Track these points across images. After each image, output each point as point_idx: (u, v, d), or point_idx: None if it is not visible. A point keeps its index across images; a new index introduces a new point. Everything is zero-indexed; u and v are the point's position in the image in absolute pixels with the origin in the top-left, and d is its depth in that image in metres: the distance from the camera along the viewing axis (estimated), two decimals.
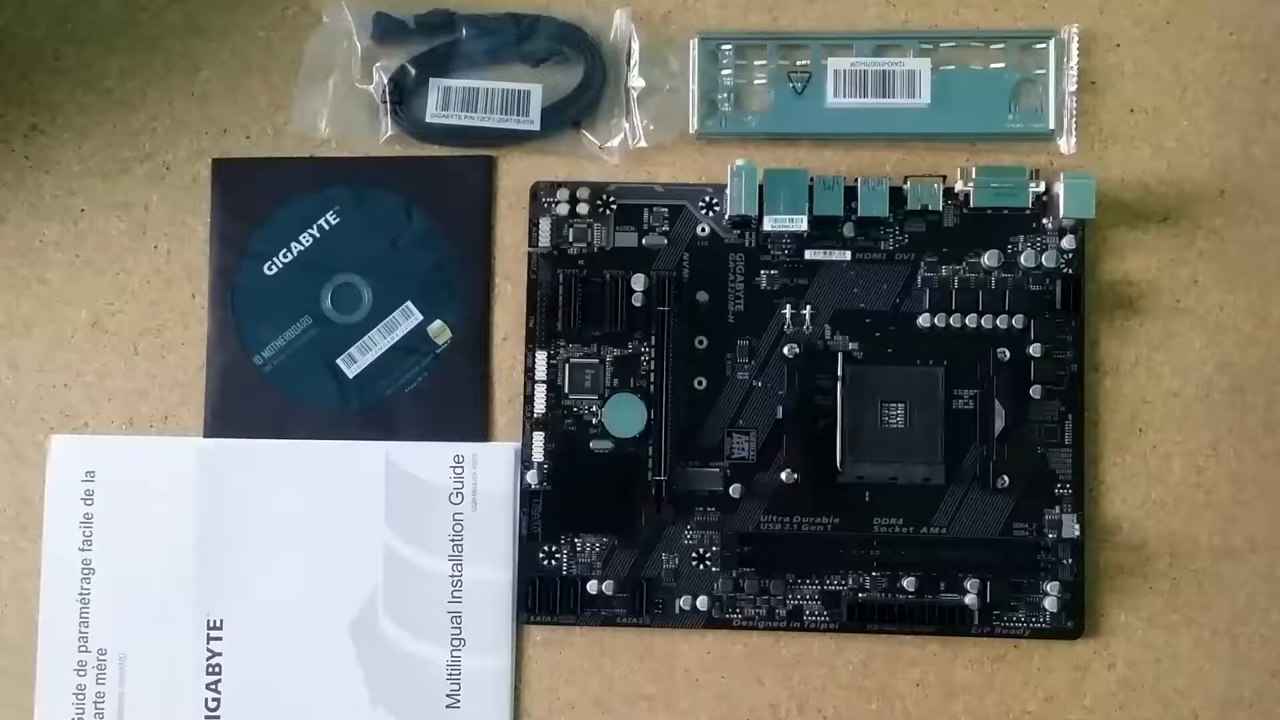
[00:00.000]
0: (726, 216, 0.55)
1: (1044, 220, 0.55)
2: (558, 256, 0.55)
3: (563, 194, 0.56)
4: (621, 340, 0.55)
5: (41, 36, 0.57)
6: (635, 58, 0.56)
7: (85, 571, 0.55)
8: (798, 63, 0.56)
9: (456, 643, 0.55)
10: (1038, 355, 0.54)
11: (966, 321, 0.54)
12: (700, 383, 0.55)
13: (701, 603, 0.54)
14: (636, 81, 0.56)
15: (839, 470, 0.54)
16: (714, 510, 0.54)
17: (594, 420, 0.55)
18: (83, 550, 0.55)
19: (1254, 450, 0.54)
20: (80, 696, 0.55)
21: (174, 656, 0.55)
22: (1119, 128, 0.56)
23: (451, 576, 0.55)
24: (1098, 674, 0.54)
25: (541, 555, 0.55)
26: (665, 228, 0.55)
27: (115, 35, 0.57)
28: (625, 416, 0.54)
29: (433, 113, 0.56)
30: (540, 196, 0.56)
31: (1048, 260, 0.54)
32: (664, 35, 0.56)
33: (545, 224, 0.56)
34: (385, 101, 0.56)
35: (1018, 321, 0.54)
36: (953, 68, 0.56)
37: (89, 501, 0.56)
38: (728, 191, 0.54)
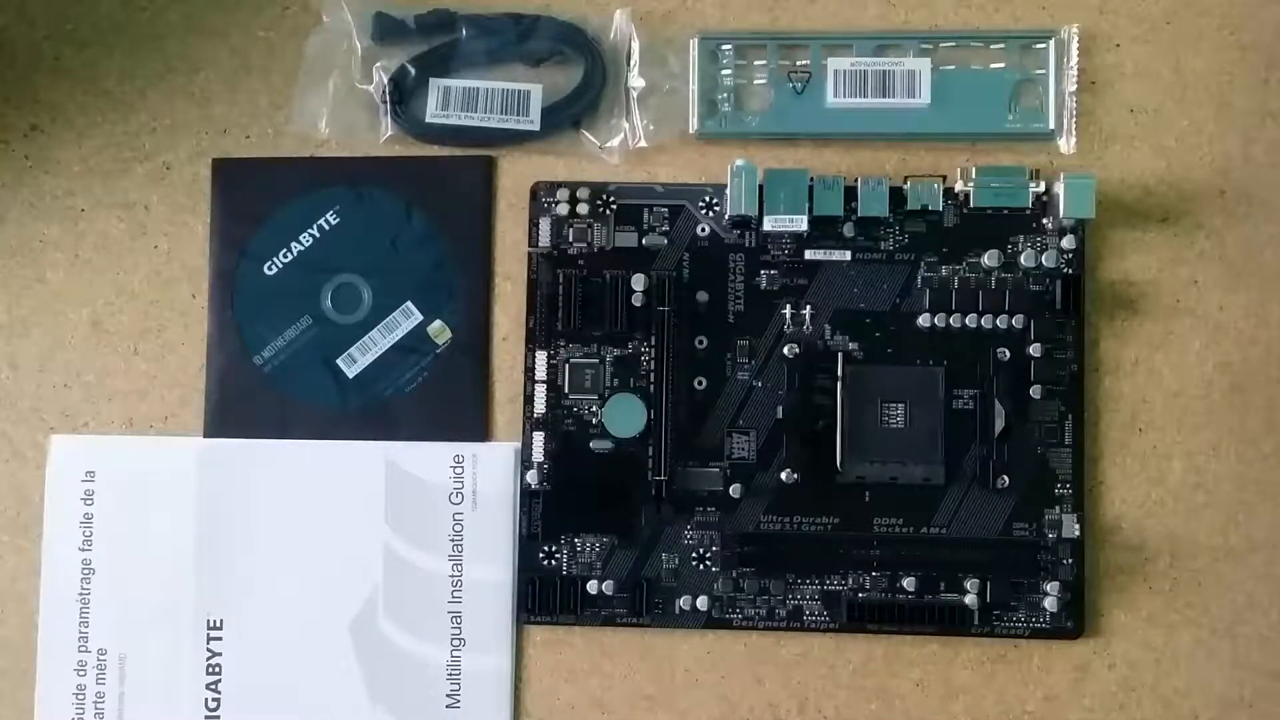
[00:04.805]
0: (726, 216, 0.55)
1: (1044, 220, 0.55)
2: (558, 256, 0.55)
3: (563, 194, 0.56)
4: (621, 340, 0.55)
5: (41, 36, 0.57)
6: (635, 58, 0.56)
7: (85, 571, 0.55)
8: (798, 63, 0.56)
9: (456, 643, 0.55)
10: (1038, 355, 0.54)
11: (966, 321, 0.54)
12: (700, 383, 0.55)
13: (701, 603, 0.54)
14: (636, 81, 0.56)
15: (839, 470, 0.54)
16: (714, 510, 0.54)
17: (594, 420, 0.55)
18: (83, 550, 0.55)
19: (1254, 450, 0.54)
20: (80, 696, 0.55)
21: (174, 656, 0.55)
22: (1119, 128, 0.56)
23: (451, 576, 0.55)
24: (1098, 674, 0.54)
25: (541, 555, 0.55)
26: (665, 228, 0.55)
27: (115, 35, 0.57)
28: (625, 416, 0.54)
29: (433, 113, 0.56)
30: (540, 196, 0.56)
31: (1048, 260, 0.54)
32: (664, 35, 0.56)
33: (545, 224, 0.56)
34: (385, 101, 0.56)
35: (1018, 321, 0.54)
36: (953, 68, 0.56)
37: (89, 501, 0.56)
38: (728, 191, 0.54)
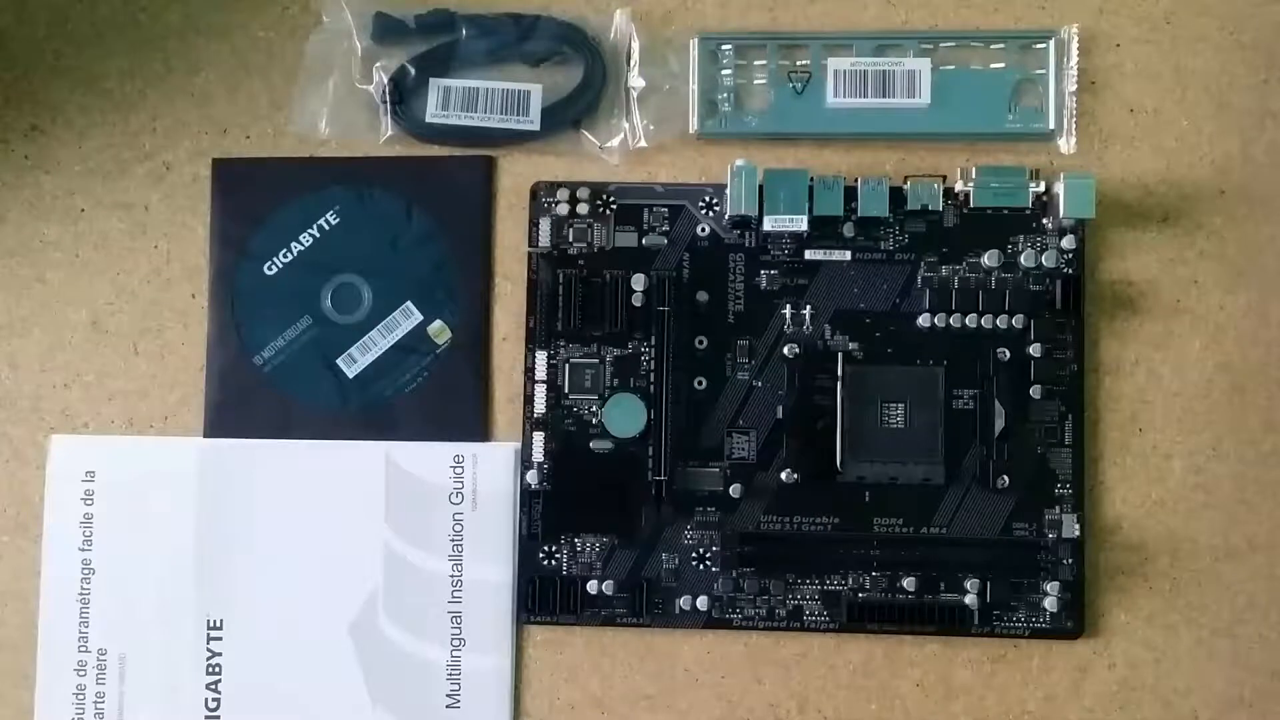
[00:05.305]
0: (726, 216, 0.55)
1: (1044, 220, 0.55)
2: (558, 256, 0.55)
3: (563, 194, 0.56)
4: (621, 340, 0.55)
5: (41, 36, 0.57)
6: (635, 58, 0.56)
7: (85, 571, 0.55)
8: (798, 63, 0.56)
9: (456, 643, 0.55)
10: (1038, 355, 0.54)
11: (966, 321, 0.54)
12: (700, 383, 0.55)
13: (701, 603, 0.54)
14: (636, 81, 0.56)
15: (839, 470, 0.54)
16: (714, 510, 0.54)
17: (594, 420, 0.55)
18: (83, 550, 0.55)
19: (1254, 450, 0.54)
20: (80, 696, 0.55)
21: (174, 656, 0.55)
22: (1119, 128, 0.56)
23: (451, 576, 0.55)
24: (1098, 674, 0.54)
25: (541, 555, 0.55)
26: (665, 228, 0.55)
27: (115, 35, 0.57)
28: (625, 416, 0.54)
29: (433, 113, 0.56)
30: (540, 196, 0.56)
31: (1048, 260, 0.54)
32: (664, 35, 0.56)
33: (545, 224, 0.56)
34: (385, 101, 0.56)
35: (1018, 321, 0.54)
36: (953, 68, 0.56)
37: (89, 501, 0.56)
38: (728, 191, 0.54)
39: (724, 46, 0.56)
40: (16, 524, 0.56)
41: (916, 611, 0.53)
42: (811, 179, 0.54)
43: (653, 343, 0.55)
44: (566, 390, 0.55)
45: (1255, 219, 0.55)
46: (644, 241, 0.55)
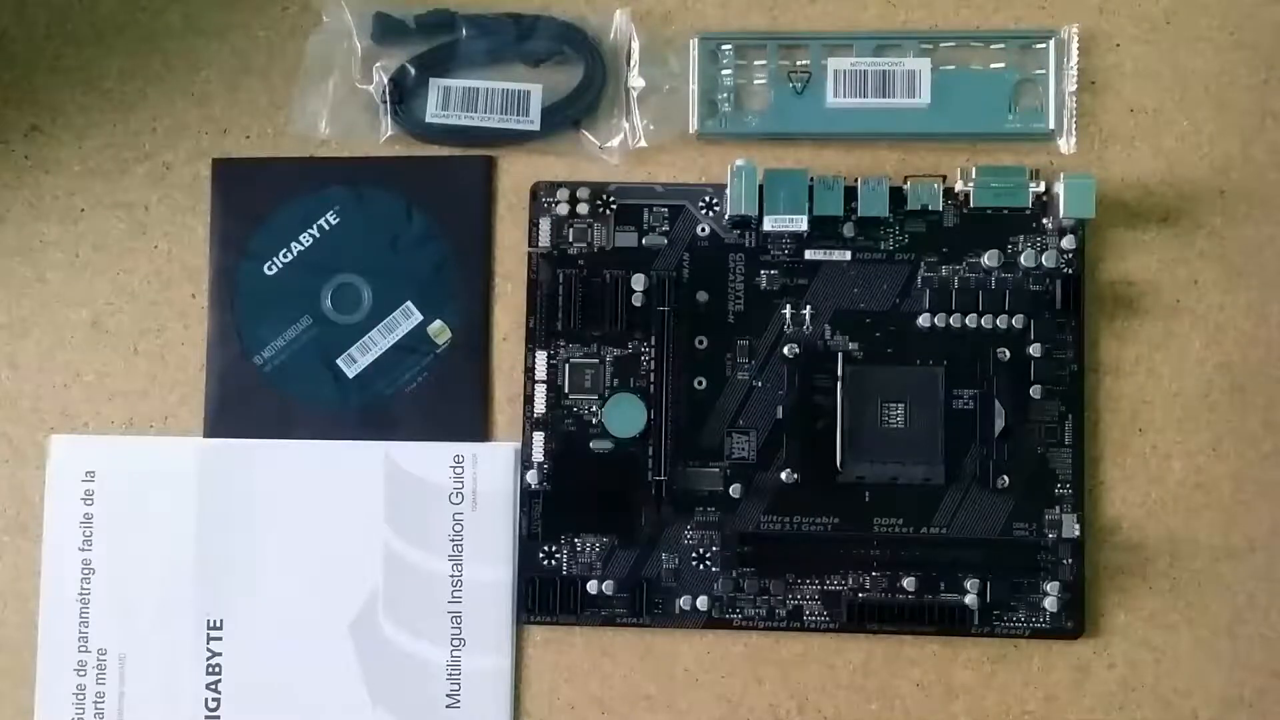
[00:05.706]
0: (726, 216, 0.55)
1: (1044, 220, 0.55)
2: (558, 256, 0.55)
3: (563, 194, 0.56)
4: (621, 340, 0.55)
5: (41, 36, 0.57)
6: (635, 58, 0.56)
7: (85, 571, 0.55)
8: (798, 63, 0.56)
9: (456, 643, 0.55)
10: (1038, 355, 0.54)
11: (966, 321, 0.54)
12: (700, 383, 0.55)
13: (701, 603, 0.54)
14: (636, 81, 0.56)
15: (839, 470, 0.54)
16: (714, 510, 0.54)
17: (594, 420, 0.55)
18: (83, 550, 0.55)
19: (1254, 450, 0.54)
20: (80, 696, 0.55)
21: (174, 656, 0.55)
22: (1119, 128, 0.56)
23: (451, 576, 0.55)
24: (1098, 674, 0.54)
25: (541, 555, 0.55)
26: (665, 228, 0.55)
27: (115, 35, 0.57)
28: (625, 416, 0.54)
29: (433, 113, 0.56)
30: (540, 196, 0.56)
31: (1048, 260, 0.54)
32: (664, 35, 0.56)
33: (545, 224, 0.56)
34: (385, 101, 0.56)
35: (1018, 321, 0.54)
36: (953, 68, 0.56)
37: (89, 501, 0.56)
38: (728, 191, 0.54)
39: (724, 46, 0.56)
40: (16, 524, 0.56)
41: (916, 611, 0.53)
42: (811, 179, 0.54)
43: (653, 343, 0.55)
44: (566, 390, 0.55)
45: (1255, 219, 0.55)
46: (644, 241, 0.55)
